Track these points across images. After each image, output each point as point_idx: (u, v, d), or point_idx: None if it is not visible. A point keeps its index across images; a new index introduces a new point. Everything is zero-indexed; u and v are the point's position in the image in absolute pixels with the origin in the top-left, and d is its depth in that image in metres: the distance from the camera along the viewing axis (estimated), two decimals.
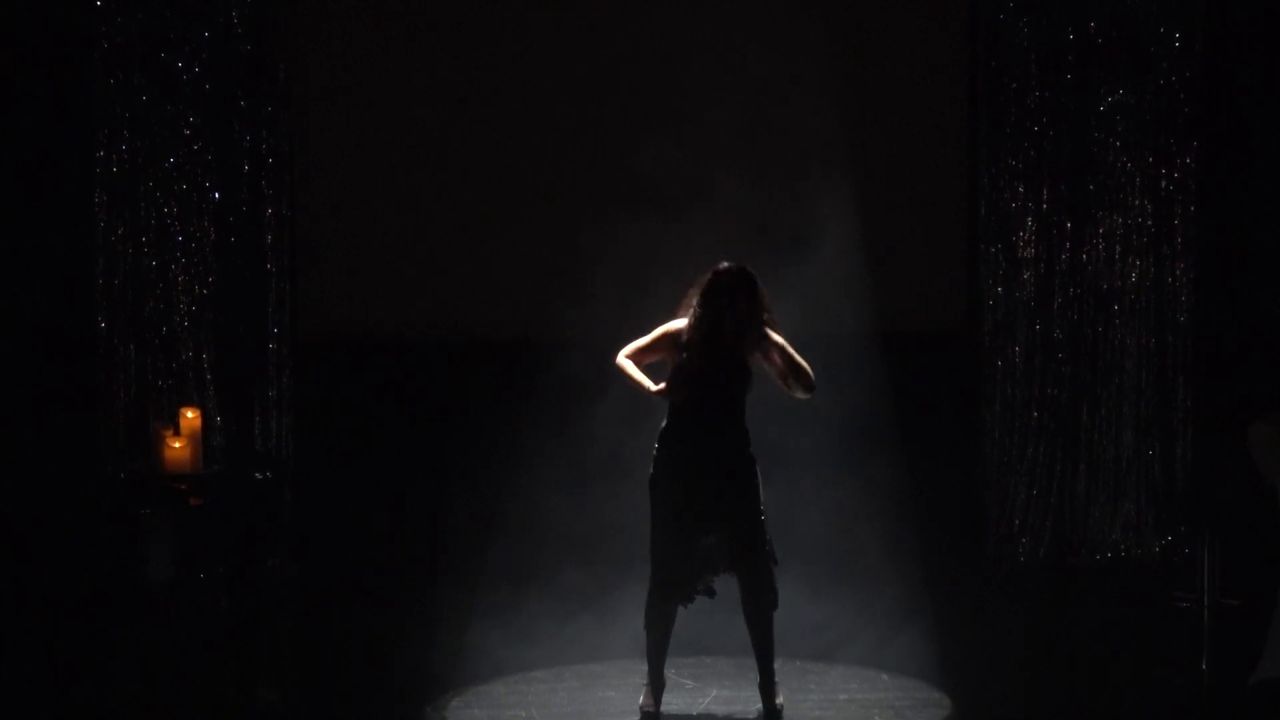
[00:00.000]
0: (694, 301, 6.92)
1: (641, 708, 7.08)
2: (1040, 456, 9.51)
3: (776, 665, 7.15)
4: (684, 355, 6.90)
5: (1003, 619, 8.78)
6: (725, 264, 6.92)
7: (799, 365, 6.91)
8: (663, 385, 6.94)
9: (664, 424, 6.99)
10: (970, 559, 9.46)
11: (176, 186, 9.12)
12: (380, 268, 9.37)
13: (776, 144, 9.03)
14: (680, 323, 6.97)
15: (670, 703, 7.22)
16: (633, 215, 8.91)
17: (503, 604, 8.20)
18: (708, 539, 6.92)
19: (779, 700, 7.04)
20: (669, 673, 7.22)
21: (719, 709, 7.34)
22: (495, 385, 9.12)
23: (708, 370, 6.89)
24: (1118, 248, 9.47)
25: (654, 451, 6.98)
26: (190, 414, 7.67)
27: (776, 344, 6.94)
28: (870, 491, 8.53)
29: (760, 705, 7.03)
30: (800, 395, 6.97)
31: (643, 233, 8.75)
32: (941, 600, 8.44)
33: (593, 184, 9.19)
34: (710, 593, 7.00)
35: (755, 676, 7.06)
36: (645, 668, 7.15)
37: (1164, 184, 9.44)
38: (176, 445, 7.53)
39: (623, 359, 6.99)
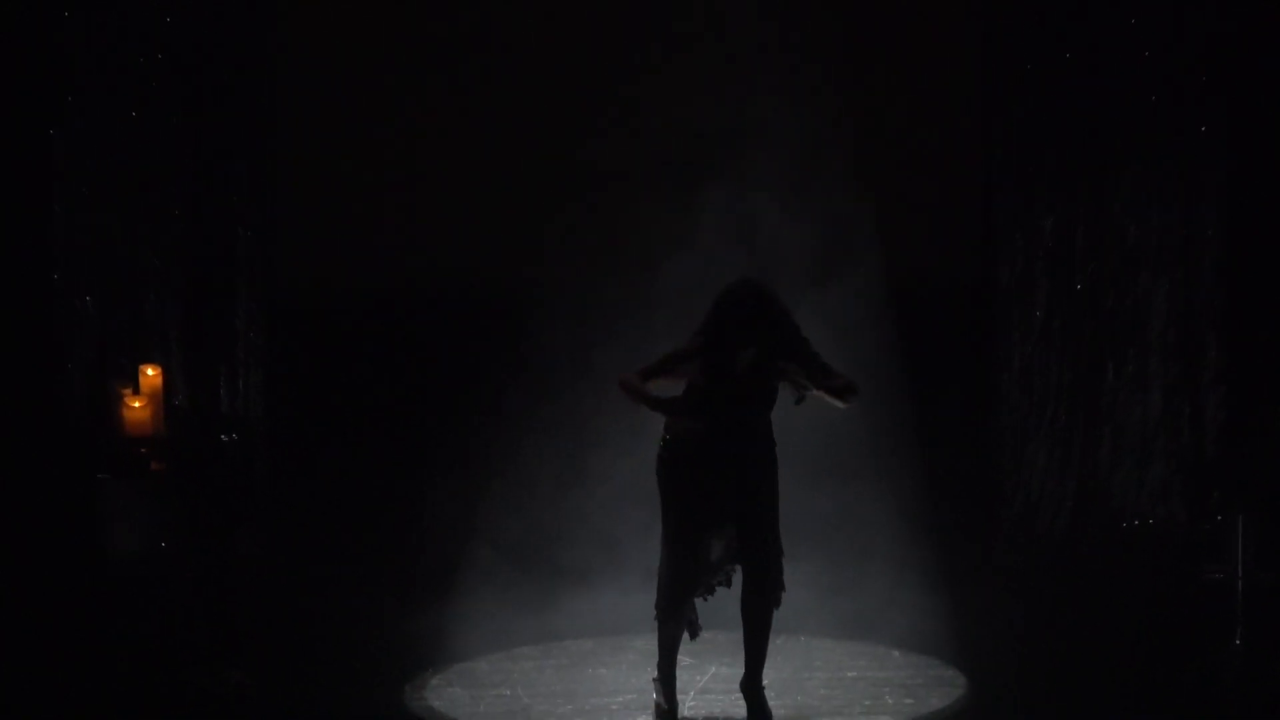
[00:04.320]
0: (706, 323, 6.76)
1: (656, 705, 7.02)
2: (1061, 420, 9.50)
3: (779, 642, 7.18)
4: (698, 377, 6.75)
5: (1021, 592, 8.80)
6: (737, 281, 6.78)
7: (832, 385, 6.70)
8: (671, 399, 6.75)
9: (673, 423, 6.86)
10: (986, 528, 9.45)
11: (141, 128, 9.08)
12: (359, 218, 9.36)
13: (781, 94, 8.97)
14: (692, 345, 6.77)
15: None
16: (629, 173, 8.99)
17: (488, 577, 8.19)
18: (724, 531, 6.85)
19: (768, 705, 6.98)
20: None
21: (718, 687, 7.36)
22: (483, 344, 9.12)
23: (722, 396, 6.74)
24: (1144, 194, 9.42)
25: (662, 437, 6.86)
26: (151, 371, 7.70)
27: (799, 370, 6.70)
28: (880, 459, 8.50)
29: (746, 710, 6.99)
30: (840, 407, 6.80)
31: (640, 191, 8.83)
32: (956, 572, 8.44)
33: (586, 142, 9.21)
34: (729, 583, 6.93)
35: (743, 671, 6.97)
36: (637, 643, 7.25)
37: (1194, 125, 9.37)
38: (136, 405, 7.56)
39: (627, 376, 6.77)
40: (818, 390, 6.73)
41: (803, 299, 7.27)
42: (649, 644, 7.14)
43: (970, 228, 9.58)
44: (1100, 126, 9.40)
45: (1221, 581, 7.91)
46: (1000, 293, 9.49)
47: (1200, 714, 7.10)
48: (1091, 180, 9.44)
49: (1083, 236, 9.47)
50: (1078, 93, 9.38)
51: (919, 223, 9.39)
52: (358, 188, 9.34)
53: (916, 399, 8.89)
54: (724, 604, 7.05)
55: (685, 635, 6.98)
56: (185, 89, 9.10)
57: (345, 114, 9.33)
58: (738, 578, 6.90)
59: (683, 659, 7.13)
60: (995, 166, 9.47)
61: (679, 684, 7.05)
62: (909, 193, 9.36)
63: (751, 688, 6.90)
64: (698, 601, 6.94)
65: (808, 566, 7.59)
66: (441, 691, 7.36)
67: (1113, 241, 9.45)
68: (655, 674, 7.02)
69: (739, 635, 6.92)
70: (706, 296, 6.87)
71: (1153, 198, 9.42)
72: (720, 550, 6.88)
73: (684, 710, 7.06)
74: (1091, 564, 9.21)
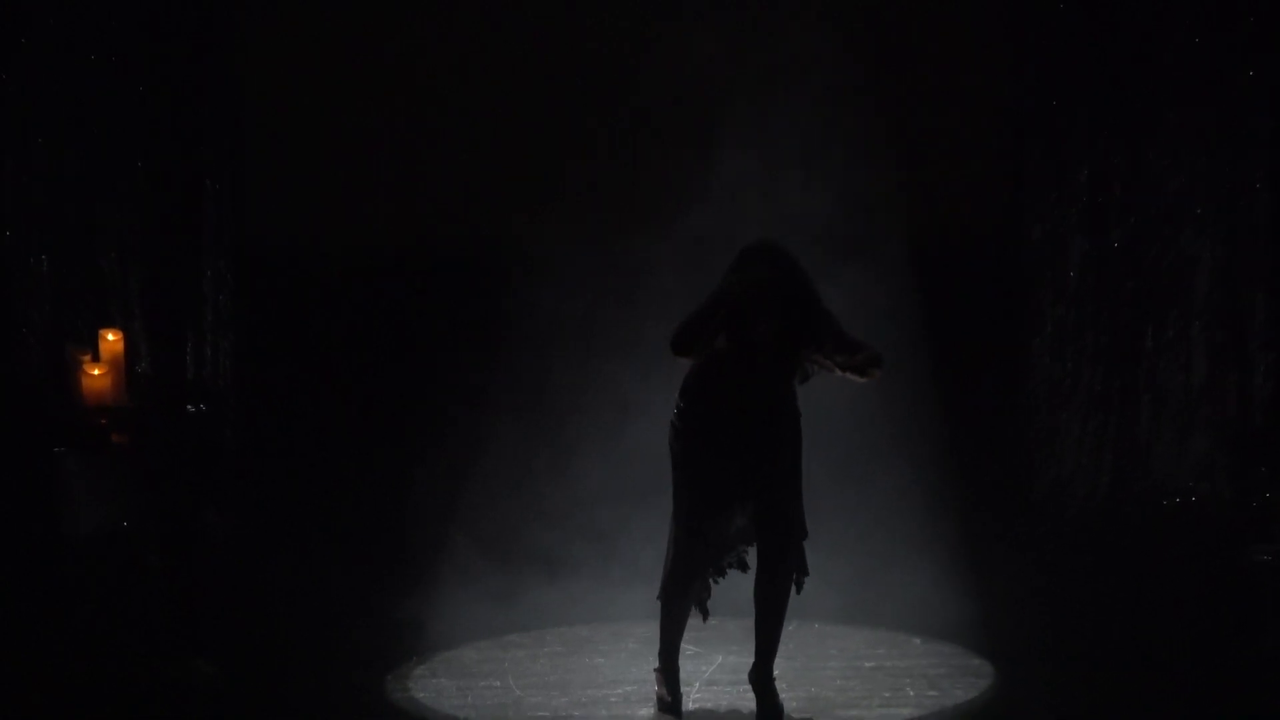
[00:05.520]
0: (723, 286, 6.74)
1: (659, 697, 6.96)
2: (1096, 388, 9.48)
3: (791, 629, 7.08)
4: (718, 341, 6.73)
5: (1052, 574, 8.76)
6: (755, 243, 6.80)
7: (854, 363, 6.68)
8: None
9: (692, 372, 6.80)
10: (1015, 506, 9.42)
11: (99, 72, 9.01)
12: (338, 169, 9.31)
13: (797, 44, 8.95)
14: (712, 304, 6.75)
15: None
16: (632, 131, 9.02)
17: (476, 559, 8.19)
18: (740, 508, 6.79)
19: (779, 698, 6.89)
20: None
21: (725, 678, 7.31)
22: (470, 307, 9.11)
23: (741, 363, 6.70)
24: (1186, 144, 9.35)
25: (676, 404, 6.80)
26: (112, 336, 7.73)
27: (820, 357, 6.73)
28: (900, 431, 8.49)
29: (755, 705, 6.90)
30: (862, 382, 6.79)
31: (643, 152, 8.92)
32: (982, 553, 8.43)
33: (587, 97, 9.21)
34: (744, 565, 6.88)
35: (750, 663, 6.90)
36: (638, 630, 7.27)
37: (1241, 68, 9.26)
38: (96, 373, 7.62)
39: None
40: (841, 372, 6.70)
41: (821, 259, 7.21)
42: (650, 631, 7.10)
43: (998, 181, 9.53)
44: (1139, 70, 9.34)
45: (1269, 564, 7.81)
46: (1031, 251, 9.47)
47: (1245, 706, 7.01)
48: (1129, 129, 9.38)
49: (1120, 190, 9.42)
50: (1114, 34, 9.31)
51: (943, 176, 9.35)
52: (337, 136, 9.29)
53: (940, 366, 8.85)
54: (731, 588, 6.97)
55: (690, 621, 6.92)
56: (147, 29, 9.05)
57: (323, 54, 9.30)
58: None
59: (687, 647, 7.09)
60: (1025, 115, 9.42)
61: (683, 674, 6.98)
62: (933, 144, 9.32)
63: (761, 678, 6.81)
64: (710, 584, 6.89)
65: (822, 548, 7.51)
66: (426, 682, 7.32)
67: (1152, 195, 9.40)
68: (657, 663, 6.94)
69: (748, 622, 6.85)
70: (711, 276, 6.83)
71: (1196, 147, 9.35)
72: (735, 529, 6.80)
73: (688, 703, 7.01)
74: (1128, 544, 9.17)
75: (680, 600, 6.83)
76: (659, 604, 6.89)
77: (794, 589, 6.79)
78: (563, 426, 8.36)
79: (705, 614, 6.92)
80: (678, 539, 6.78)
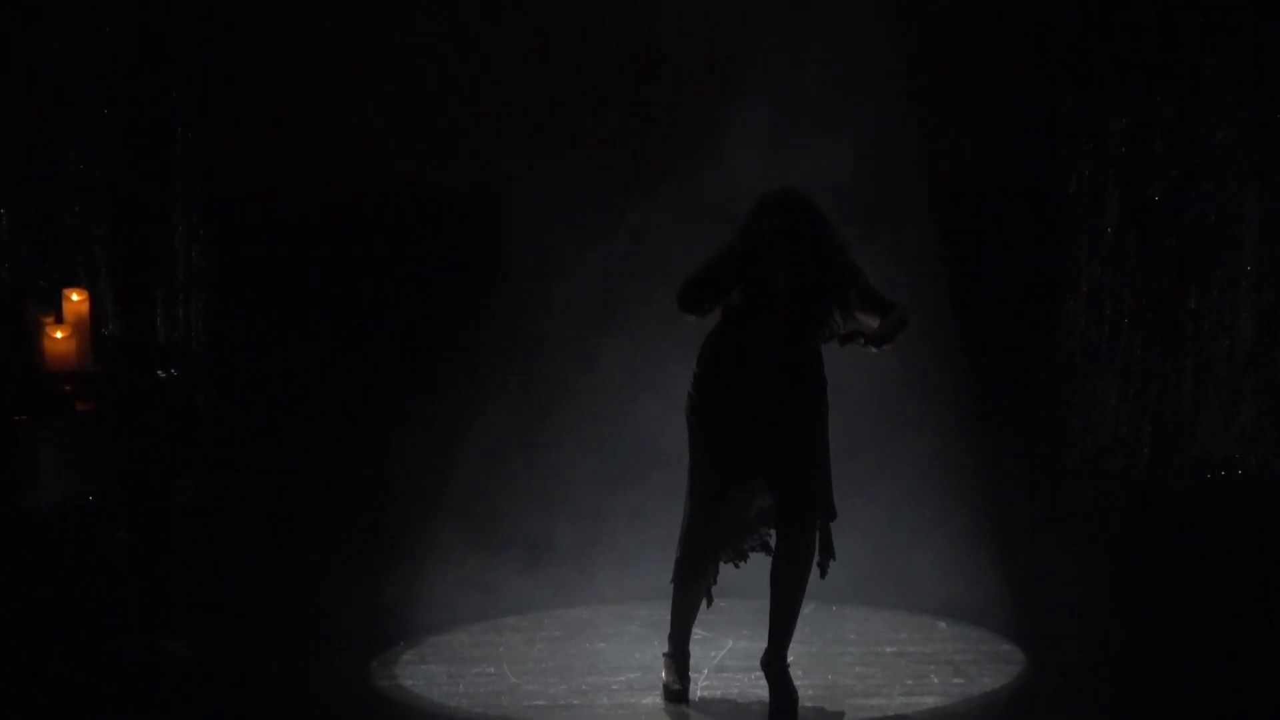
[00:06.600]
0: (740, 237, 6.64)
1: (665, 685, 6.89)
2: (1135, 352, 9.49)
3: (807, 611, 7.00)
4: (735, 297, 6.64)
5: (1088, 553, 8.70)
6: (776, 190, 6.66)
7: (883, 330, 6.59)
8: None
9: (711, 335, 6.70)
10: (1048, 479, 9.43)
11: (63, 11, 9.04)
12: (320, 117, 9.31)
13: None
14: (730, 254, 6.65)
15: None
16: (635, 80, 9.11)
17: (467, 536, 8.17)
18: (762, 484, 6.71)
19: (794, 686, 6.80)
20: None
21: (736, 664, 7.24)
22: (461, 265, 9.12)
23: (761, 323, 6.60)
24: (1232, 89, 9.36)
25: (693, 370, 6.71)
26: (76, 296, 7.57)
27: (853, 323, 6.64)
28: (925, 398, 8.40)
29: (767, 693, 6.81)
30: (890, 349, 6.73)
31: (647, 102, 9.03)
32: (1013, 530, 8.38)
33: (572, 41, 9.24)
34: (767, 548, 6.79)
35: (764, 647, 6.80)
36: (642, 613, 7.35)
37: None
38: (59, 336, 7.44)
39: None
40: (866, 344, 6.59)
41: (840, 214, 7.12)
42: (655, 614, 7.14)
43: (1030, 129, 9.54)
44: (1180, 13, 9.40)
45: None
46: (1066, 204, 9.48)
47: None
48: (1171, 75, 9.41)
49: (1160, 139, 9.44)
50: None
51: (971, 124, 9.37)
52: (318, 80, 9.30)
53: (968, 329, 8.81)
54: (743, 568, 6.88)
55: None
56: None
57: None
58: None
59: (695, 632, 7.00)
60: (1059, 59, 9.46)
61: (691, 660, 6.91)
62: (959, 90, 9.32)
63: (775, 665, 6.69)
64: (728, 567, 6.83)
65: (840, 525, 7.42)
66: (415, 668, 7.29)
67: (1195, 146, 9.43)
68: (666, 648, 6.87)
69: (761, 604, 6.74)
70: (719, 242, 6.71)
71: (1242, 93, 9.38)
72: (756, 508, 6.72)
73: (697, 690, 6.90)
74: (1170, 520, 9.17)
75: (694, 583, 6.74)
76: (671, 587, 6.80)
77: (819, 572, 6.68)
78: (557, 402, 8.34)
79: (709, 598, 6.83)
80: (693, 518, 6.68)
